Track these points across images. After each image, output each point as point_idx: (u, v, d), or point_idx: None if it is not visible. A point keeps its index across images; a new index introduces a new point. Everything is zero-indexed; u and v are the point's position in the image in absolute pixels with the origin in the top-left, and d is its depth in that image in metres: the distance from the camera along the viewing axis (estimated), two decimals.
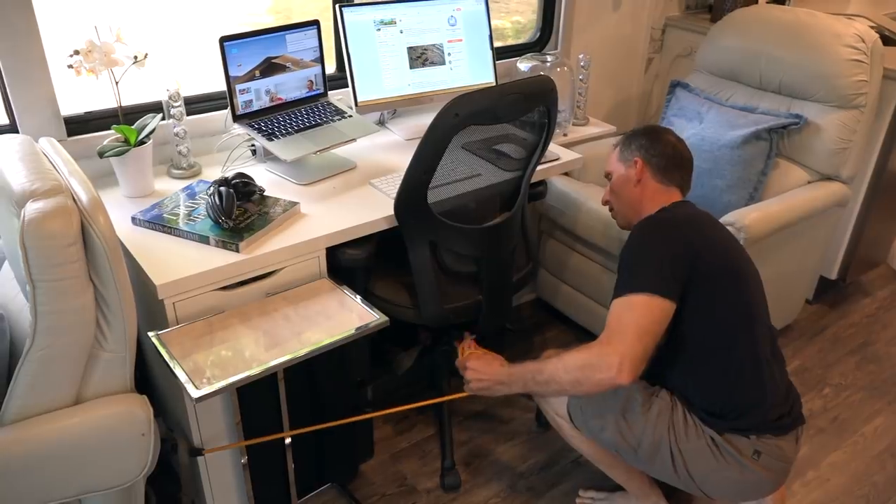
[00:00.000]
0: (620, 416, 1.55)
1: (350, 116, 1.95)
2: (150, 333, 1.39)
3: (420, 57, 2.11)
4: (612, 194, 1.73)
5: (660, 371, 1.57)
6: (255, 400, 1.55)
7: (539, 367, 1.49)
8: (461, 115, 1.49)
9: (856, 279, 2.95)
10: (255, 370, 1.31)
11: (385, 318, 1.49)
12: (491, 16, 2.18)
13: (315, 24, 1.91)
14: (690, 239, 1.49)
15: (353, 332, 1.44)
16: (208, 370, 1.31)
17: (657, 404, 1.56)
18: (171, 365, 1.32)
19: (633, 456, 1.58)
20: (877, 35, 2.23)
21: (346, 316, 1.49)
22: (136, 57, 1.68)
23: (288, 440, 1.64)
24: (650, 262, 1.46)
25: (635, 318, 1.40)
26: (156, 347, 1.36)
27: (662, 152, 1.64)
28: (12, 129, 1.68)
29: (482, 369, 1.59)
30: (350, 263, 1.66)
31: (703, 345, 1.51)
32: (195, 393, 1.25)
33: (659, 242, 1.50)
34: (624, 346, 1.37)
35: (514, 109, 1.62)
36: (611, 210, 1.77)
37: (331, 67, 2.17)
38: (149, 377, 1.83)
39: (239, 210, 1.60)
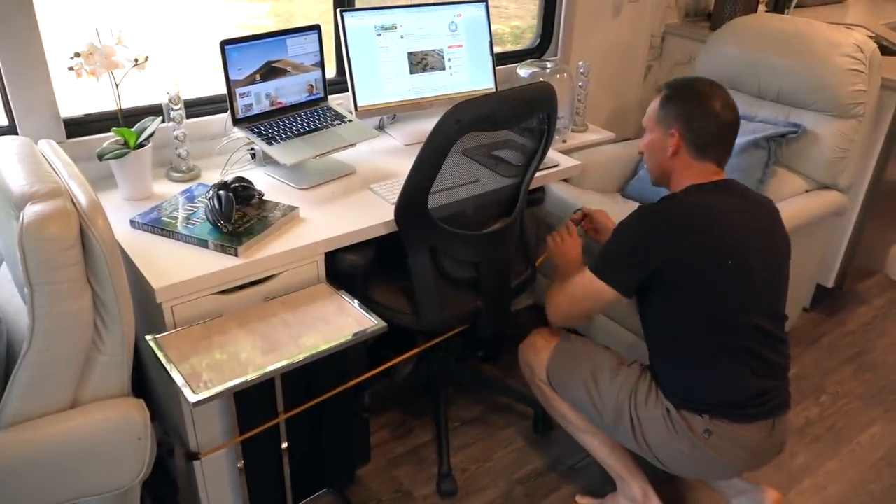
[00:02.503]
0: (590, 378, 1.69)
1: (350, 121, 1.96)
2: (148, 337, 1.39)
3: (420, 62, 2.11)
4: (648, 151, 1.66)
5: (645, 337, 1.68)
6: (252, 404, 1.54)
7: (567, 281, 1.70)
8: (462, 121, 1.49)
9: (853, 287, 2.96)
10: (252, 375, 1.31)
11: (383, 324, 1.48)
12: (491, 20, 2.18)
13: (316, 28, 1.91)
14: (674, 245, 1.51)
15: (350, 337, 1.44)
16: (205, 374, 1.30)
17: (624, 373, 1.67)
18: (169, 369, 1.31)
19: (599, 419, 1.68)
20: (875, 45, 2.24)
21: (344, 321, 1.49)
22: (136, 60, 1.68)
23: (284, 445, 1.64)
24: (618, 255, 1.58)
25: (576, 283, 1.64)
26: (153, 351, 1.36)
27: (703, 127, 1.55)
28: (11, 130, 1.68)
29: (565, 252, 1.80)
30: (349, 269, 1.66)
31: (673, 335, 1.59)
32: (192, 397, 1.25)
33: (640, 240, 1.55)
34: (558, 301, 1.71)
35: (514, 116, 1.62)
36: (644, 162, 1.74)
37: (331, 72, 2.17)
38: (146, 380, 1.82)
39: (238, 214, 1.60)
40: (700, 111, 1.55)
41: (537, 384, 1.83)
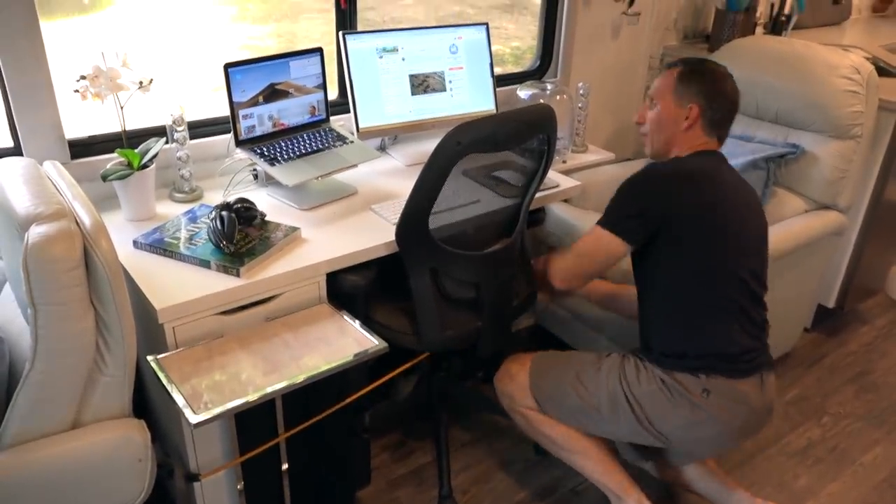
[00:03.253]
0: (576, 380, 1.70)
1: (351, 142, 1.97)
2: (150, 357, 1.39)
3: (421, 84, 2.14)
4: (654, 125, 1.71)
5: (642, 302, 1.73)
6: (252, 425, 1.54)
7: (573, 243, 1.75)
8: (463, 142, 1.51)
9: (854, 307, 2.96)
10: (252, 396, 1.31)
11: (384, 345, 1.49)
12: (491, 42, 2.21)
13: (318, 51, 1.93)
14: (677, 196, 1.60)
15: (351, 358, 1.44)
16: (206, 395, 1.31)
17: (607, 363, 1.71)
18: (170, 389, 1.32)
19: (598, 417, 1.68)
20: (872, 66, 2.26)
21: (345, 342, 1.49)
22: (141, 82, 1.70)
23: (284, 466, 1.64)
24: (626, 206, 1.64)
25: (584, 240, 1.69)
26: (154, 372, 1.36)
27: (721, 106, 1.65)
28: (17, 151, 1.69)
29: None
30: (351, 290, 1.67)
31: (670, 287, 1.64)
32: (193, 418, 1.25)
33: (645, 194, 1.63)
34: (564, 264, 1.74)
35: (514, 137, 1.63)
36: (642, 133, 1.77)
37: (333, 93, 2.20)
38: (146, 400, 1.82)
39: (240, 235, 1.61)
40: (716, 90, 1.65)
41: (519, 412, 1.81)
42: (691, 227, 1.60)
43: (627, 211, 1.63)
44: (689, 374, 1.60)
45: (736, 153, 2.28)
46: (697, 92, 1.65)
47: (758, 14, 2.97)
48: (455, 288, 1.77)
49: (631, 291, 1.81)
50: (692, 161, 1.67)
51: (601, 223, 1.65)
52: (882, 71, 2.71)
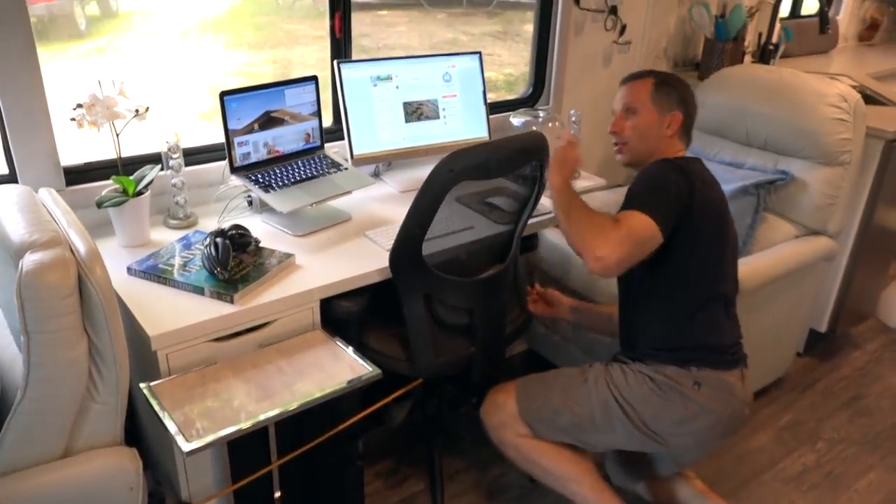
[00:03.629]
0: (565, 396, 1.71)
1: (346, 169, 1.99)
2: (142, 385, 1.39)
3: (415, 111, 2.16)
4: (636, 132, 1.75)
5: (633, 299, 1.76)
6: (245, 452, 1.53)
7: (581, 207, 1.64)
8: (456, 170, 1.52)
9: (846, 332, 2.97)
10: (245, 423, 1.31)
11: (378, 371, 1.49)
12: (484, 68, 2.24)
13: (313, 79, 1.96)
14: (695, 187, 1.63)
15: (345, 384, 1.44)
16: (199, 422, 1.30)
17: (592, 373, 1.72)
18: (162, 417, 1.31)
19: (593, 428, 1.69)
20: (858, 95, 2.29)
21: (338, 368, 1.49)
22: (137, 110, 1.71)
23: (277, 494, 1.62)
24: (659, 193, 1.61)
25: (634, 227, 1.57)
26: (147, 399, 1.36)
27: (694, 113, 1.77)
28: (12, 179, 1.70)
29: (566, 164, 1.71)
30: (344, 316, 1.67)
31: (677, 276, 1.66)
32: (186, 446, 1.24)
33: (672, 181, 1.63)
34: (615, 250, 1.54)
35: (506, 165, 1.65)
36: (617, 144, 1.79)
37: (328, 120, 2.22)
38: (138, 428, 1.81)
39: (234, 261, 1.61)
40: (691, 97, 1.77)
41: (511, 443, 1.77)
42: (708, 219, 1.66)
43: (665, 199, 1.60)
44: (680, 367, 1.63)
45: (726, 179, 2.31)
46: (678, 100, 1.73)
47: (746, 43, 3.02)
48: (448, 314, 1.77)
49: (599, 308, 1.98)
50: (686, 160, 1.74)
51: (644, 210, 1.58)
52: (869, 99, 2.75)
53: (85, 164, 1.83)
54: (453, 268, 1.71)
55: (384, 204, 2.06)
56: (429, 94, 2.18)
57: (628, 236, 1.55)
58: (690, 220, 1.62)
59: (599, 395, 1.68)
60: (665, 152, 1.74)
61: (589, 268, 1.57)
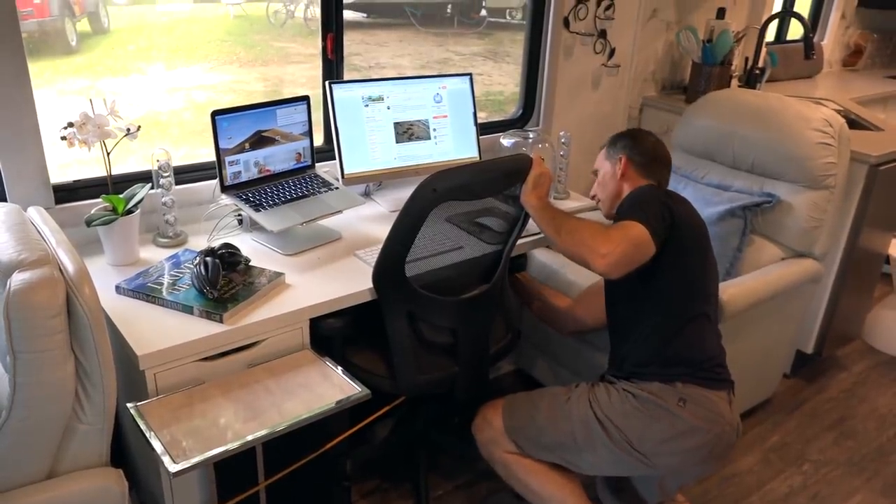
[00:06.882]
0: (548, 414, 1.74)
1: (336, 188, 1.99)
2: (130, 405, 1.38)
3: (406, 132, 2.17)
4: (600, 187, 1.91)
5: (622, 316, 1.79)
6: (232, 473, 1.52)
7: (569, 218, 1.70)
8: (439, 189, 1.53)
9: (832, 353, 2.99)
10: (232, 444, 1.30)
11: (367, 391, 1.49)
12: (475, 87, 2.26)
13: (305, 99, 1.97)
14: (675, 207, 1.70)
15: (333, 405, 1.44)
16: (186, 443, 1.29)
17: (576, 392, 1.75)
18: (149, 437, 1.30)
19: (575, 448, 1.70)
20: (843, 119, 2.33)
21: (327, 388, 1.49)
22: (128, 129, 1.72)
23: None
24: (646, 206, 1.68)
25: (630, 229, 1.61)
26: (133, 419, 1.35)
27: (644, 150, 1.85)
28: (1, 196, 1.69)
29: (540, 183, 1.71)
30: (328, 332, 1.67)
31: (663, 293, 1.70)
32: (172, 467, 1.23)
33: (655, 197, 1.73)
34: (618, 247, 1.58)
35: (492, 186, 1.67)
36: (597, 202, 1.96)
37: (319, 139, 2.23)
38: (124, 448, 1.79)
39: (224, 280, 1.61)
40: (640, 142, 1.87)
41: (500, 459, 1.80)
42: (691, 237, 1.72)
43: (654, 211, 1.66)
44: (665, 383, 1.65)
45: (713, 202, 2.34)
46: (622, 146, 1.86)
47: (733, 67, 3.06)
48: (432, 332, 1.77)
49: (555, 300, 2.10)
50: (661, 187, 1.85)
51: (635, 220, 1.61)
52: (853, 123, 2.80)
53: (74, 181, 1.83)
54: (439, 286, 1.71)
55: (374, 223, 2.07)
56: (420, 114, 2.20)
57: (627, 236, 1.61)
58: (676, 234, 1.66)
59: (581, 412, 1.70)
60: (627, 190, 1.83)
61: (595, 267, 1.60)
